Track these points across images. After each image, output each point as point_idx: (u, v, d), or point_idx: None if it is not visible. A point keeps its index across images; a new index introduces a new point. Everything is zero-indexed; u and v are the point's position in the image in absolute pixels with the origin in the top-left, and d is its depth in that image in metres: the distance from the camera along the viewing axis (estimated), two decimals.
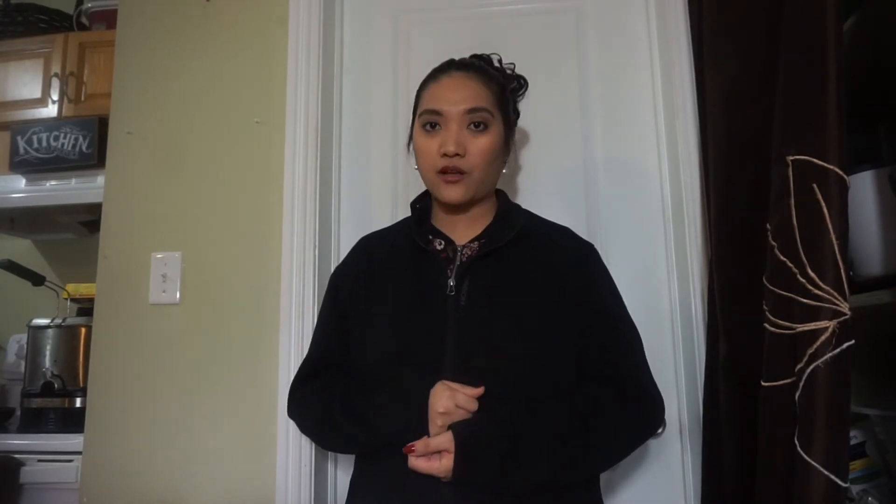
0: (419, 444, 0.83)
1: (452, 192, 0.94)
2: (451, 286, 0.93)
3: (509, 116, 1.02)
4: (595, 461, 0.91)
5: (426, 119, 0.96)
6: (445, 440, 0.82)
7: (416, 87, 1.04)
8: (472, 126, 0.94)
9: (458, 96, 0.94)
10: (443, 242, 0.99)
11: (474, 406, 0.84)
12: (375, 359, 0.92)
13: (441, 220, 1.02)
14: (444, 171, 0.93)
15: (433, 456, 0.83)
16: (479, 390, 0.85)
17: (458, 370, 0.87)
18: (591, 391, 0.91)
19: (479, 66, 1.01)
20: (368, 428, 0.89)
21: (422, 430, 0.85)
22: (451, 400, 0.83)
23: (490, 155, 0.95)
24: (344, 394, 0.94)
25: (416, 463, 0.83)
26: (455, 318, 0.91)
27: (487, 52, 1.07)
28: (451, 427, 0.83)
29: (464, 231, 1.00)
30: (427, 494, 0.84)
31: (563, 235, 1.05)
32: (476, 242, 0.98)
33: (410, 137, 1.03)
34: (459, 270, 0.94)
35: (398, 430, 0.86)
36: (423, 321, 0.92)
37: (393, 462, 0.86)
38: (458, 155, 0.92)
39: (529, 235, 0.98)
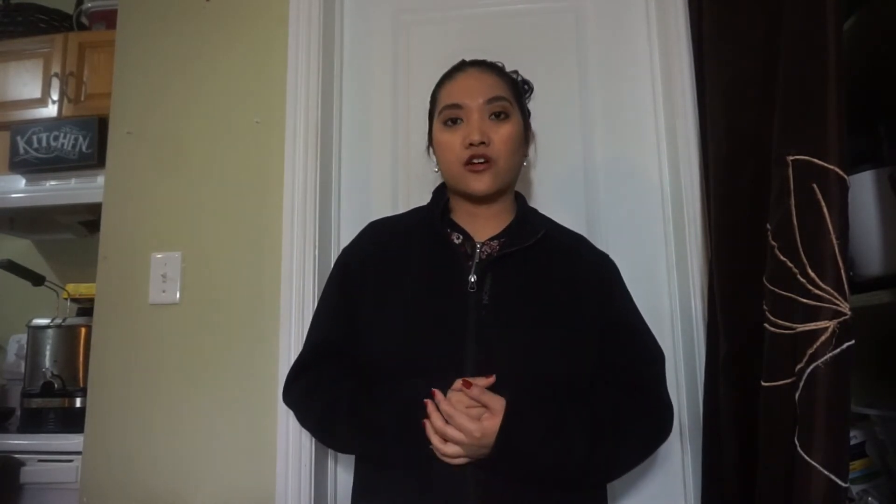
0: (476, 387, 0.81)
1: (480, 183, 0.93)
2: (471, 282, 0.91)
3: (525, 109, 1.03)
4: (615, 467, 0.91)
5: (447, 115, 0.95)
6: (498, 401, 0.81)
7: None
8: (492, 116, 0.94)
9: (477, 88, 0.95)
10: (461, 237, 0.98)
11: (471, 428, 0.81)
12: (387, 348, 0.90)
13: (460, 216, 1.01)
14: (469, 162, 0.92)
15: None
16: (490, 380, 0.83)
17: (478, 369, 0.85)
18: (614, 400, 0.90)
19: (492, 63, 1.02)
20: (373, 444, 0.87)
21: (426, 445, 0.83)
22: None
23: (513, 143, 0.95)
24: (351, 395, 0.90)
25: (461, 419, 0.80)
26: (476, 316, 0.89)
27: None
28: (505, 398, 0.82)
29: (483, 228, 0.98)
30: (441, 488, 0.83)
31: (580, 244, 1.05)
32: (496, 241, 0.97)
33: (430, 141, 1.02)
34: (480, 267, 0.93)
35: (403, 449, 0.84)
36: (442, 314, 0.90)
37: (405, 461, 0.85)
38: (482, 143, 0.91)
39: (548, 240, 0.97)
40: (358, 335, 0.94)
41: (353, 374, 0.93)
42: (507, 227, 0.99)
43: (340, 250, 1.08)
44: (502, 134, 0.93)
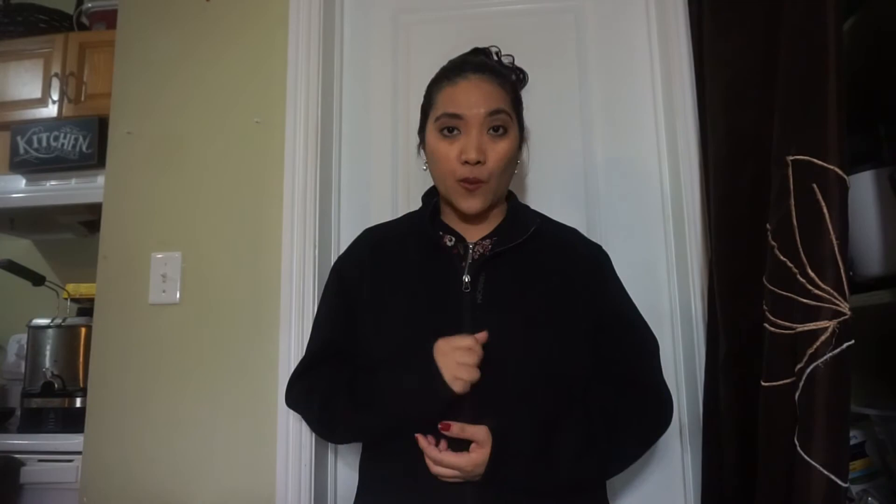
0: (455, 426, 0.83)
1: (471, 203, 0.93)
2: (465, 283, 0.92)
3: (522, 117, 1.02)
4: (613, 466, 0.92)
5: (444, 123, 0.93)
6: (481, 432, 0.82)
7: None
8: (491, 131, 0.92)
9: (478, 99, 0.92)
10: (453, 239, 0.98)
11: (469, 343, 0.83)
12: (387, 350, 0.91)
13: (451, 217, 1.01)
14: (463, 180, 0.91)
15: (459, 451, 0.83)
16: (482, 335, 0.85)
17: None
18: (611, 397, 0.91)
19: (494, 68, 0.98)
20: (377, 410, 0.88)
21: (435, 404, 0.84)
22: (447, 343, 0.84)
23: (508, 160, 0.94)
24: (350, 381, 0.92)
25: (444, 456, 0.82)
26: (471, 316, 0.90)
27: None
28: (488, 425, 0.83)
29: (475, 229, 0.99)
30: (444, 491, 0.84)
31: (573, 237, 1.05)
32: (488, 240, 0.97)
33: (421, 139, 1.01)
34: (473, 267, 0.94)
35: (410, 406, 0.85)
36: (438, 316, 0.91)
37: (405, 458, 0.86)
38: (479, 163, 0.90)
39: (540, 236, 0.97)
40: (356, 340, 0.95)
41: (353, 366, 0.95)
42: (498, 226, 1.00)
43: (340, 251, 1.08)
44: (499, 151, 0.92)
